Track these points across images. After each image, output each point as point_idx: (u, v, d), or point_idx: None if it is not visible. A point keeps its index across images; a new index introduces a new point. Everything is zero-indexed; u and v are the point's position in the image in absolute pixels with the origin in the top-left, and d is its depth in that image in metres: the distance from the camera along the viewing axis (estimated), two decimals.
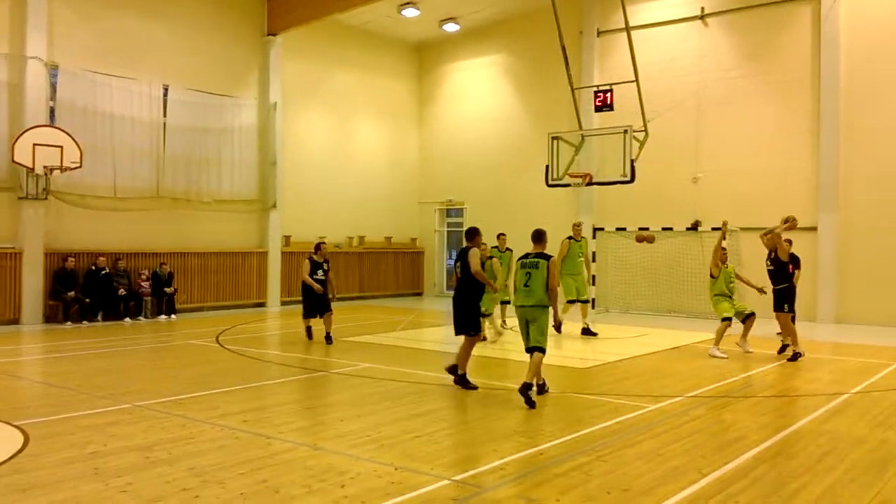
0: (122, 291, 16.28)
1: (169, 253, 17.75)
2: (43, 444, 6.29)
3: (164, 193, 17.78)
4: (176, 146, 18.03)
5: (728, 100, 18.28)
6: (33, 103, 15.60)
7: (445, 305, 20.95)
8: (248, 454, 6.04)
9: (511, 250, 14.21)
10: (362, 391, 8.77)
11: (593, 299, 17.36)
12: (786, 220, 11.40)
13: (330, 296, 13.01)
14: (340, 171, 22.43)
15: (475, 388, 8.71)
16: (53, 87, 16.09)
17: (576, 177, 15.02)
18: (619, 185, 15.17)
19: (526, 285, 8.40)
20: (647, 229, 17.32)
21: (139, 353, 12.23)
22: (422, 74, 25.03)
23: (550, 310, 8.38)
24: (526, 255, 8.63)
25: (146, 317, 16.59)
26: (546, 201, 20.06)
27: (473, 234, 9.18)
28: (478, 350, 11.85)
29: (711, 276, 11.93)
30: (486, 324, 12.79)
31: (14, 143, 14.91)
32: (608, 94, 14.98)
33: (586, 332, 13.82)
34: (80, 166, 15.60)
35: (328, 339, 12.60)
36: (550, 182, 15.27)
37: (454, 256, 24.69)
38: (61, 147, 15.26)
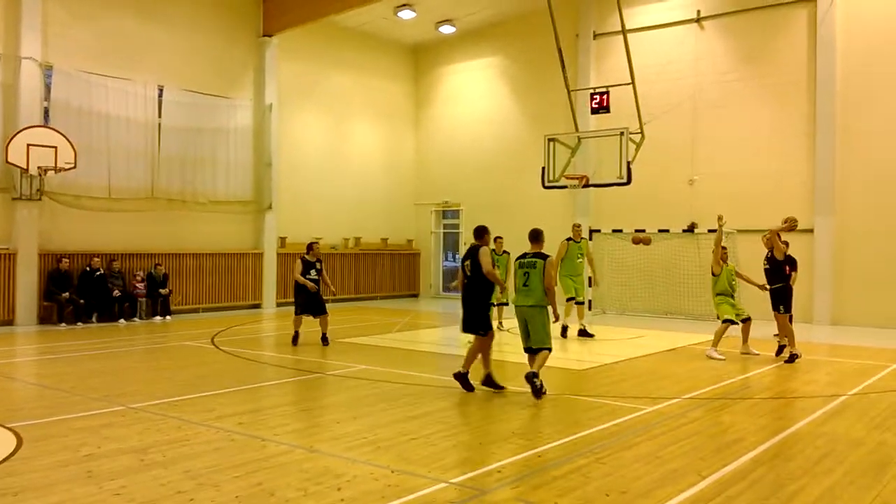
0: (116, 292, 16.21)
1: (164, 254, 17.69)
2: (36, 447, 6.24)
3: (159, 194, 17.72)
4: (171, 147, 17.96)
5: (724, 103, 18.30)
6: (27, 104, 15.54)
7: (442, 307, 21.03)
8: (244, 457, 6.00)
9: (508, 253, 14.23)
10: (358, 393, 8.73)
11: (590, 301, 17.33)
12: (785, 221, 11.39)
13: (327, 295, 12.94)
14: (336, 172, 22.39)
15: (472, 389, 8.59)
16: (48, 87, 16.03)
17: (572, 179, 15.00)
18: (615, 188, 15.16)
19: (525, 285, 8.51)
20: (643, 231, 17.29)
21: (134, 355, 12.16)
22: (418, 76, 25.01)
23: (550, 308, 8.55)
24: (524, 255, 8.69)
25: (141, 318, 16.53)
26: (542, 203, 20.04)
27: (482, 232, 8.90)
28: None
29: (713, 274, 11.91)
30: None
31: (8, 144, 14.82)
32: (604, 97, 14.97)
33: (583, 333, 13.80)
34: (75, 167, 15.54)
35: (325, 340, 12.55)
36: (547, 184, 15.26)
37: (451, 258, 24.68)
38: (55, 148, 15.19)
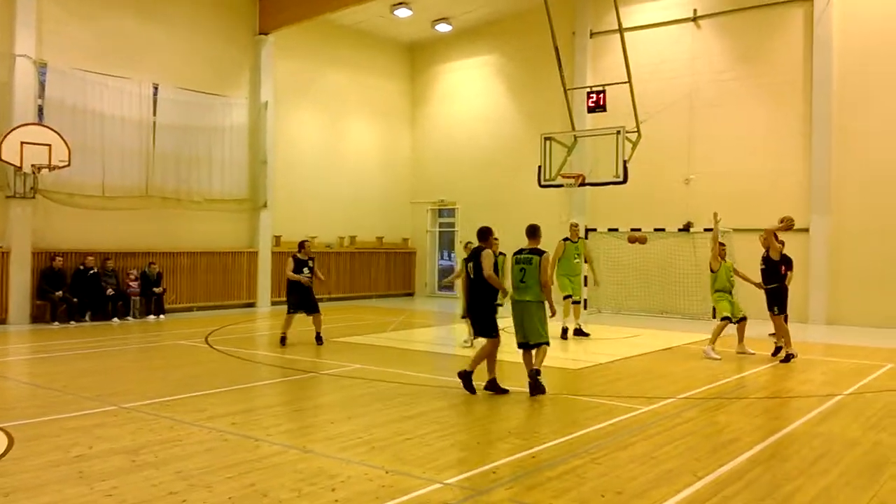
0: (110, 291, 16.14)
1: (158, 252, 17.61)
2: (27, 447, 6.18)
3: (154, 192, 17.64)
4: (166, 145, 17.89)
5: (720, 102, 18.29)
6: (21, 101, 15.45)
7: (437, 306, 20.99)
8: (237, 457, 5.95)
9: (504, 255, 14.14)
10: (353, 392, 8.69)
11: (585, 300, 17.29)
12: (782, 220, 11.37)
13: (321, 293, 12.87)
14: (332, 170, 22.33)
15: (473, 391, 8.42)
16: (42, 85, 15.93)
17: (568, 177, 14.96)
18: (611, 186, 15.12)
19: (522, 281, 8.55)
20: (639, 230, 17.31)
21: (127, 354, 12.10)
22: (414, 74, 24.96)
23: (547, 304, 8.60)
24: (520, 251, 8.71)
25: (134, 317, 16.45)
26: (538, 202, 19.98)
27: (486, 233, 8.76)
28: (468, 351, 11.86)
29: (712, 270, 11.89)
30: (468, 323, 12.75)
31: (2, 142, 14.72)
32: (601, 95, 14.94)
33: (578, 332, 13.78)
34: (69, 165, 15.45)
35: (319, 339, 12.50)
36: (543, 183, 15.22)
37: (446, 256, 24.65)
38: (50, 145, 15.11)
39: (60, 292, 15.49)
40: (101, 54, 16.86)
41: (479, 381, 8.59)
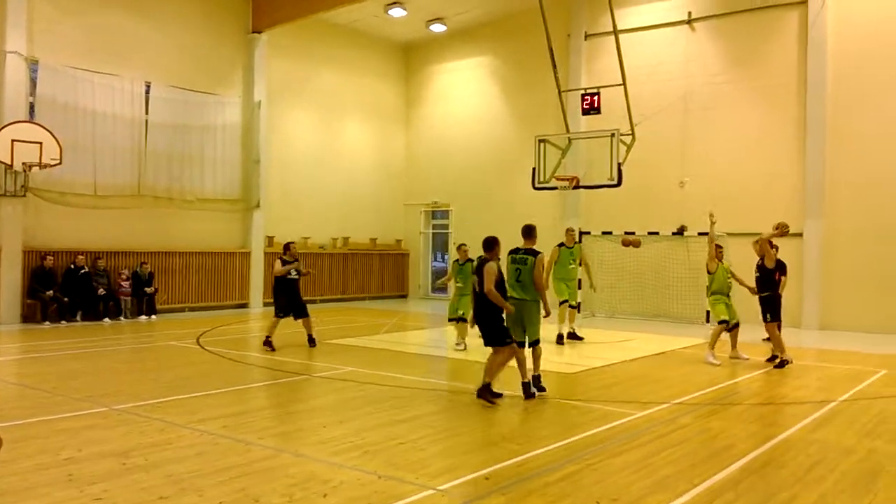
0: (101, 291, 16.03)
1: (150, 252, 17.51)
2: (15, 449, 6.09)
3: (146, 191, 17.54)
4: (158, 144, 17.79)
5: (714, 105, 18.29)
6: (12, 99, 15.34)
7: (430, 308, 20.93)
8: (228, 461, 5.89)
9: (472, 261, 14.06)
10: (345, 395, 8.63)
11: (579, 303, 17.26)
12: (777, 227, 11.36)
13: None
14: (325, 171, 22.25)
15: (493, 401, 8.09)
16: (33, 82, 15.81)
17: (562, 180, 14.93)
18: (605, 189, 15.12)
19: (518, 280, 8.55)
20: (633, 233, 17.29)
21: (118, 355, 12.01)
22: (408, 75, 24.91)
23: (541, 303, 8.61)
24: (516, 251, 8.70)
25: (126, 317, 16.34)
26: (532, 204, 19.96)
27: (492, 244, 8.42)
28: (461, 356, 11.84)
29: (709, 272, 11.86)
30: (457, 327, 12.71)
31: None
32: (595, 98, 14.91)
33: (572, 336, 13.74)
34: (60, 163, 15.33)
35: (311, 342, 12.40)
36: (537, 185, 15.19)
37: (440, 258, 24.59)
38: (41, 143, 15.00)
39: (51, 292, 15.38)
40: (93, 52, 16.75)
41: (461, 384, 8.55)
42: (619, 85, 14.52)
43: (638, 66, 18.12)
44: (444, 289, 13.08)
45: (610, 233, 18.82)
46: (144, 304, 16.75)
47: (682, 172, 18.56)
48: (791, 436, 7.08)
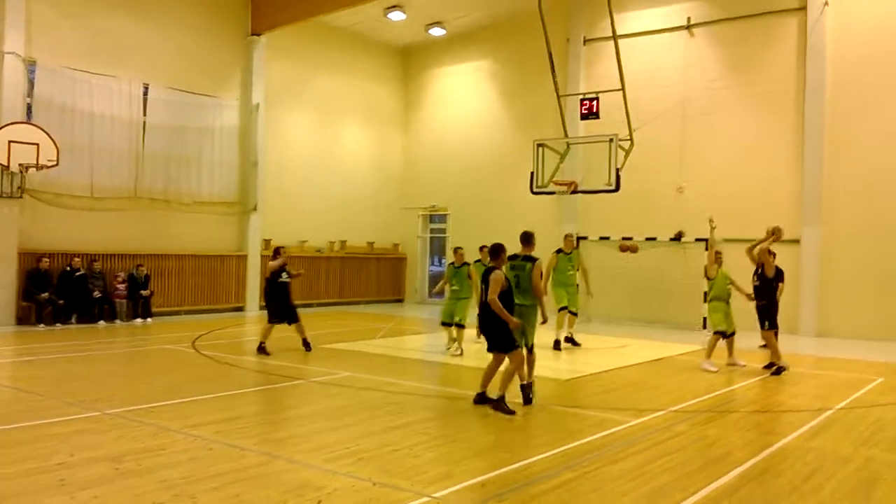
0: (96, 293, 15.98)
1: (146, 254, 17.45)
2: (7, 454, 6.06)
3: (143, 194, 17.49)
4: (155, 146, 17.74)
5: (713, 110, 18.29)
6: (10, 100, 15.29)
7: (427, 312, 20.88)
8: (221, 467, 5.84)
9: (468, 264, 14.09)
10: (340, 401, 8.58)
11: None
12: (772, 232, 11.34)
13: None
14: (323, 174, 22.22)
15: (513, 412, 7.86)
16: (31, 83, 15.77)
17: (561, 185, 14.92)
18: (603, 194, 15.10)
19: (517, 286, 8.52)
20: (630, 239, 17.28)
21: (112, 358, 11.95)
22: (407, 78, 24.89)
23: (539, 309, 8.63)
24: (514, 256, 8.70)
25: (121, 320, 16.28)
26: (530, 209, 19.96)
27: (499, 252, 8.29)
28: (457, 361, 11.81)
29: (708, 277, 11.82)
30: (453, 333, 12.66)
31: None
32: (594, 103, 14.90)
33: (569, 340, 13.71)
34: (57, 164, 15.27)
35: (307, 346, 12.35)
36: (535, 189, 15.15)
37: (437, 262, 24.54)
38: (38, 145, 14.94)
39: (46, 294, 15.32)
40: (91, 53, 16.71)
41: (458, 391, 8.50)
42: (618, 90, 14.50)
43: (637, 71, 18.09)
44: (442, 293, 13.02)
45: (607, 238, 18.81)
46: (140, 307, 16.68)
47: (680, 178, 18.57)
48: (788, 444, 7.05)
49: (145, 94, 17.62)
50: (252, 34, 19.94)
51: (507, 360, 8.10)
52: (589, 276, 14.29)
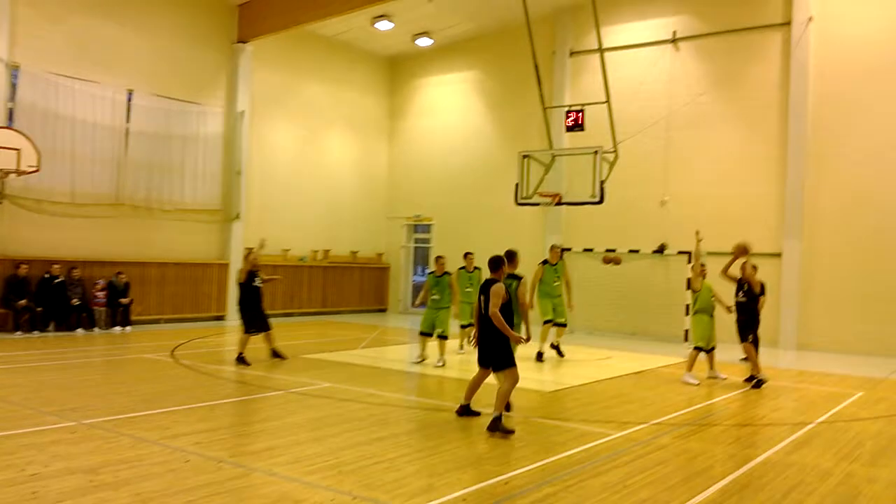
0: (75, 301, 15.78)
1: (126, 262, 17.26)
2: None
3: (125, 200, 17.32)
4: (138, 152, 17.59)
5: (697, 124, 18.40)
6: None
7: (410, 322, 20.79)
8: (199, 479, 5.75)
9: (479, 268, 14.12)
10: (321, 412, 8.50)
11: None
12: (741, 250, 11.42)
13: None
14: (308, 183, 22.14)
15: (511, 431, 7.57)
16: (13, 88, 15.61)
17: (545, 196, 14.92)
18: (587, 206, 15.12)
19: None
20: (613, 251, 17.32)
21: (90, 367, 11.78)
22: (393, 88, 24.89)
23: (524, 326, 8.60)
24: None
25: (100, 328, 16.08)
26: (514, 220, 19.99)
27: (499, 264, 8.12)
28: (440, 372, 11.76)
29: (693, 290, 11.84)
30: (426, 343, 12.61)
31: None
32: (579, 115, 14.94)
33: (555, 348, 13.70)
34: (38, 170, 15.09)
35: (278, 355, 12.18)
36: (520, 200, 15.15)
37: (421, 272, 24.48)
38: (18, 150, 14.74)
39: (24, 301, 15.12)
40: (76, 59, 16.57)
41: (439, 402, 8.44)
42: (603, 103, 14.54)
43: (622, 84, 18.19)
44: (425, 304, 12.94)
45: (591, 250, 18.84)
46: (119, 316, 16.49)
47: (663, 191, 18.66)
48: (769, 458, 7.05)
49: (129, 100, 17.48)
50: (238, 41, 19.86)
51: (502, 377, 7.90)
52: (571, 287, 14.26)
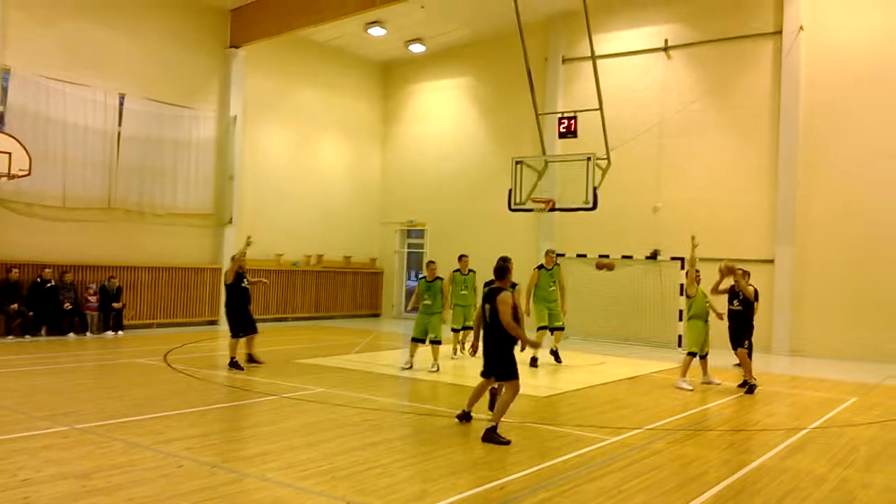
0: (67, 305, 15.70)
1: (118, 266, 17.19)
2: None
3: (116, 205, 17.25)
4: (130, 156, 17.53)
5: (689, 132, 18.45)
6: None
7: (404, 327, 20.76)
8: (192, 484, 5.72)
9: (473, 271, 14.16)
10: (314, 418, 8.46)
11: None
12: (728, 271, 11.53)
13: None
14: (301, 188, 22.10)
15: (508, 442, 7.43)
16: (4, 90, 15.53)
17: (538, 202, 14.93)
18: (580, 212, 15.14)
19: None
20: (607, 257, 17.34)
21: (82, 372, 11.72)
22: (386, 94, 24.90)
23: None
24: (491, 282, 8.67)
25: (92, 332, 16.00)
26: (507, 225, 20.00)
27: (504, 271, 7.99)
28: (433, 377, 11.73)
29: (688, 296, 11.86)
30: (421, 349, 12.59)
31: None
32: (572, 121, 14.96)
33: (553, 353, 13.70)
34: (29, 174, 15.01)
35: (254, 360, 12.07)
36: (513, 206, 15.16)
37: (414, 277, 24.45)
38: (9, 154, 14.67)
39: (16, 305, 15.02)
40: (67, 62, 16.51)
41: (434, 407, 8.42)
42: (596, 109, 14.58)
43: (614, 91, 18.24)
44: (417, 309, 12.93)
45: (584, 255, 18.86)
46: (111, 320, 16.41)
47: (656, 197, 18.71)
48: (764, 463, 7.06)
49: (121, 104, 17.43)
50: (231, 46, 19.84)
51: (504, 388, 7.81)
52: (564, 293, 14.27)
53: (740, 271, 11.65)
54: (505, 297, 7.69)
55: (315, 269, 22.33)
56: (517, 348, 8.06)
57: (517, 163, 15.20)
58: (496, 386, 8.29)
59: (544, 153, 16.04)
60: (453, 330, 14.07)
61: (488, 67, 22.30)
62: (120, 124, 17.39)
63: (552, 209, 15.21)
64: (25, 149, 14.94)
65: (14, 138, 14.92)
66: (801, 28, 16.93)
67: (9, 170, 14.62)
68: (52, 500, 5.24)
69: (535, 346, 7.97)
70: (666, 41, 18.91)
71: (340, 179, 23.49)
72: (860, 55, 16.45)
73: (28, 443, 6.81)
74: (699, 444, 7.76)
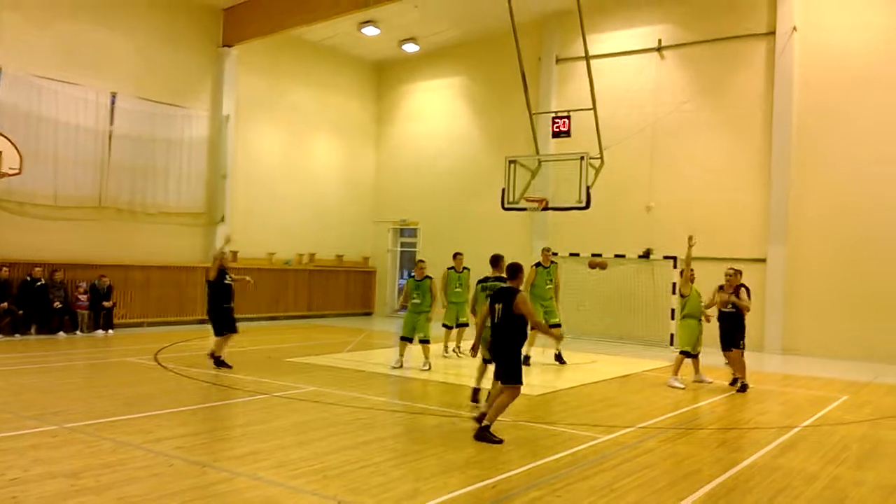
0: (57, 304, 15.62)
1: (109, 265, 17.10)
2: None
3: (108, 203, 17.18)
4: (122, 155, 17.45)
5: (682, 132, 18.47)
6: None
7: (396, 326, 20.70)
8: (182, 484, 5.68)
9: (468, 269, 14.13)
10: (306, 416, 8.42)
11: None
12: (732, 288, 11.58)
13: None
14: (293, 187, 22.05)
15: (500, 441, 7.36)
16: None
17: (532, 201, 14.92)
18: (573, 211, 15.13)
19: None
20: (599, 256, 17.34)
21: (72, 370, 11.64)
22: (380, 93, 24.86)
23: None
24: (485, 279, 8.66)
25: (82, 331, 15.92)
26: (500, 225, 19.98)
27: (517, 271, 7.86)
28: (425, 376, 11.70)
29: (682, 295, 11.85)
30: (404, 349, 12.56)
31: None
32: (565, 121, 14.97)
33: (557, 356, 13.66)
34: (20, 173, 14.92)
35: (221, 363, 11.69)
36: (506, 205, 15.15)
37: (407, 276, 24.42)
38: (1, 152, 14.59)
39: (6, 304, 14.93)
40: (60, 61, 16.42)
41: (427, 406, 8.39)
42: (589, 109, 14.57)
43: (608, 91, 18.22)
44: (406, 307, 12.88)
45: (577, 254, 18.86)
46: (102, 319, 16.33)
47: (649, 197, 18.74)
48: (756, 461, 7.06)
49: (113, 103, 17.35)
50: (224, 45, 19.77)
51: (504, 390, 7.71)
52: (558, 291, 14.25)
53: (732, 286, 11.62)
54: (523, 298, 7.60)
55: (307, 267, 22.27)
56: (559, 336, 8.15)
57: (510, 162, 15.18)
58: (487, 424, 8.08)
59: (538, 152, 16.04)
60: (446, 327, 14.03)
61: (482, 67, 22.29)
62: (112, 123, 17.33)
63: (545, 208, 15.20)
64: (17, 147, 14.87)
65: (5, 137, 14.83)
66: (795, 28, 16.96)
67: (0, 168, 14.54)
68: (40, 500, 5.20)
69: (560, 338, 8.77)
70: (659, 41, 18.93)
71: (333, 178, 23.44)
72: (853, 56, 16.49)
73: (16, 442, 6.76)
74: (691, 443, 7.76)
